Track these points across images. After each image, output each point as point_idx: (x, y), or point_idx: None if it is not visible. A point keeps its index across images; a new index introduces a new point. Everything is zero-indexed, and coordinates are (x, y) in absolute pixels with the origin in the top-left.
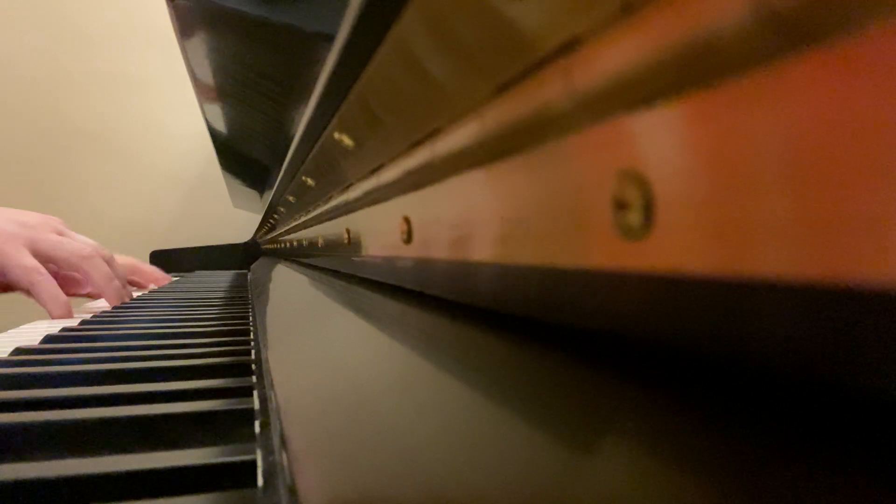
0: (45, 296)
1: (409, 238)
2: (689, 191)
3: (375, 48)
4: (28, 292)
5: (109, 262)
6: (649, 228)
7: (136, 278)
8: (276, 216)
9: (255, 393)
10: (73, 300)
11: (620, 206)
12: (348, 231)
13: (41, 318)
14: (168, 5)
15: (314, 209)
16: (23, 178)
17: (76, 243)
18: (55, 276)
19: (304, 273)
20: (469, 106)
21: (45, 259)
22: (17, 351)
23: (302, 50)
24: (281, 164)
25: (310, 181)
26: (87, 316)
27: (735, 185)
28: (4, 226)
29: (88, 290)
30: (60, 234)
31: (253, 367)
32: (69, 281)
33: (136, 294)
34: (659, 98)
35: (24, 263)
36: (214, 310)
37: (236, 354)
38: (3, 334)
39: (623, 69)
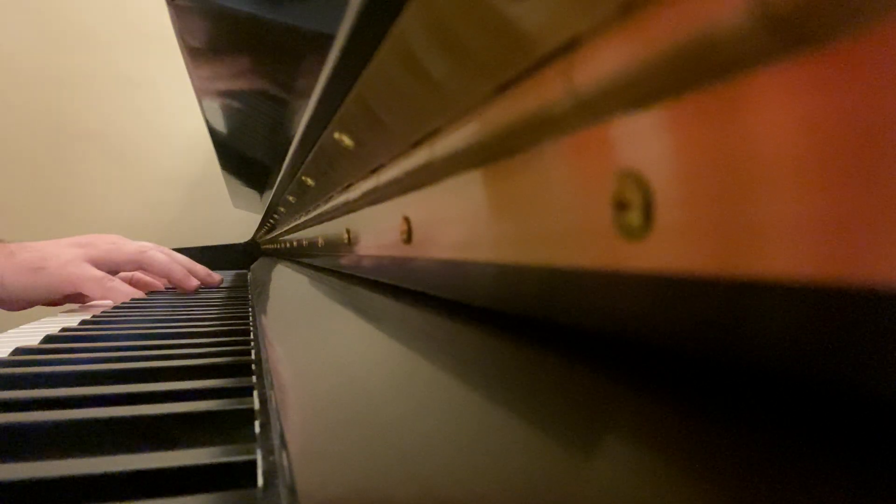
0: (121, 299)
1: (409, 238)
2: (689, 191)
3: (375, 48)
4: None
5: (165, 251)
6: (649, 228)
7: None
8: (276, 216)
9: (255, 393)
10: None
11: (620, 206)
12: (348, 231)
13: (41, 318)
14: (168, 5)
15: (314, 209)
16: (23, 178)
17: (131, 244)
18: (130, 282)
19: (304, 273)
20: (469, 106)
21: (107, 268)
22: (17, 351)
23: (302, 50)
24: (281, 164)
25: (310, 181)
26: (88, 315)
27: (735, 185)
28: (63, 251)
29: (161, 281)
30: (114, 243)
31: (253, 367)
32: (142, 285)
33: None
34: (659, 98)
35: (93, 275)
36: (214, 310)
37: (236, 354)
38: (3, 334)
39: (623, 69)
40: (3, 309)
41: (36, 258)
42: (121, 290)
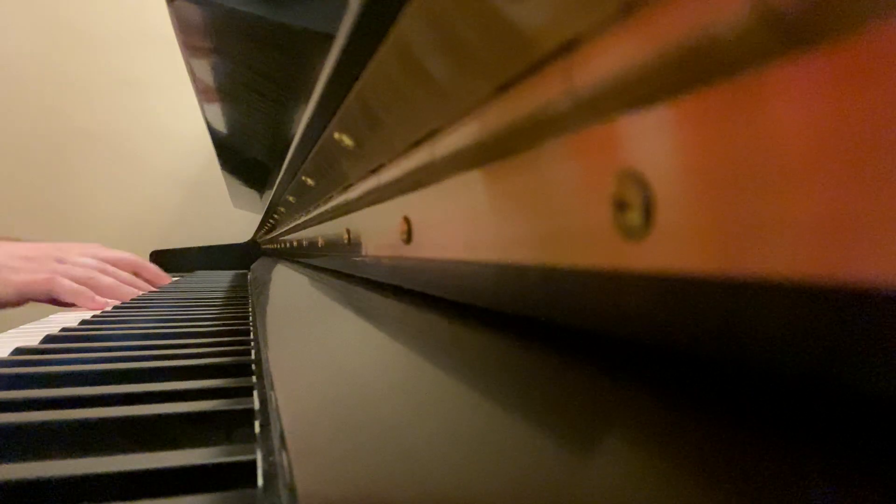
0: (65, 291)
1: (409, 238)
2: (689, 191)
3: (375, 48)
4: (53, 300)
5: (114, 263)
6: (649, 228)
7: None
8: (276, 216)
9: (255, 393)
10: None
11: (620, 206)
12: (348, 231)
13: (41, 318)
14: (168, 5)
15: (314, 209)
16: (23, 179)
17: (77, 268)
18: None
19: (304, 273)
20: (469, 106)
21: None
22: (17, 351)
23: (302, 50)
24: (281, 164)
25: (310, 181)
26: (88, 315)
27: (734, 185)
28: (8, 262)
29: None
30: (60, 260)
31: (253, 367)
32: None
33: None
34: (659, 98)
35: (36, 278)
36: (214, 310)
37: (236, 354)
38: (3, 334)
39: (623, 69)
40: None
41: None
42: (64, 287)
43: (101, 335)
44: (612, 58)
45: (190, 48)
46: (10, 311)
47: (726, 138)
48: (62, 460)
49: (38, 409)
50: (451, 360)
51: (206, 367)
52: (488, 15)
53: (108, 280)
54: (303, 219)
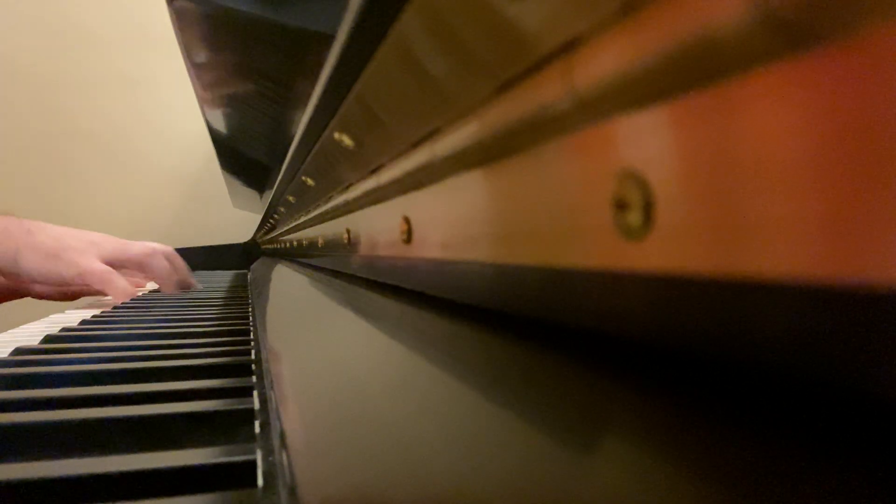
0: (117, 294)
1: (409, 238)
2: (689, 191)
3: (375, 48)
4: (102, 292)
5: (169, 256)
6: (649, 228)
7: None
8: (276, 216)
9: (255, 393)
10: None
11: (620, 206)
12: (348, 231)
13: (41, 318)
14: (168, 6)
15: (314, 209)
16: (23, 178)
17: (138, 245)
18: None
19: (304, 273)
20: (469, 106)
21: (115, 265)
22: (17, 351)
23: (302, 50)
24: (281, 164)
25: (310, 181)
26: (88, 315)
27: (735, 185)
28: (77, 243)
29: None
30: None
31: (253, 367)
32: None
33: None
34: (659, 98)
35: (98, 268)
36: (214, 310)
37: (236, 354)
38: (4, 334)
39: (623, 69)
40: (6, 294)
41: (54, 245)
42: (118, 286)
43: (102, 335)
44: (611, 58)
45: (190, 48)
46: (10, 312)
47: (726, 138)
48: (62, 460)
49: (38, 409)
50: (450, 359)
51: (206, 367)
52: (488, 15)
53: (165, 264)
54: (303, 219)
